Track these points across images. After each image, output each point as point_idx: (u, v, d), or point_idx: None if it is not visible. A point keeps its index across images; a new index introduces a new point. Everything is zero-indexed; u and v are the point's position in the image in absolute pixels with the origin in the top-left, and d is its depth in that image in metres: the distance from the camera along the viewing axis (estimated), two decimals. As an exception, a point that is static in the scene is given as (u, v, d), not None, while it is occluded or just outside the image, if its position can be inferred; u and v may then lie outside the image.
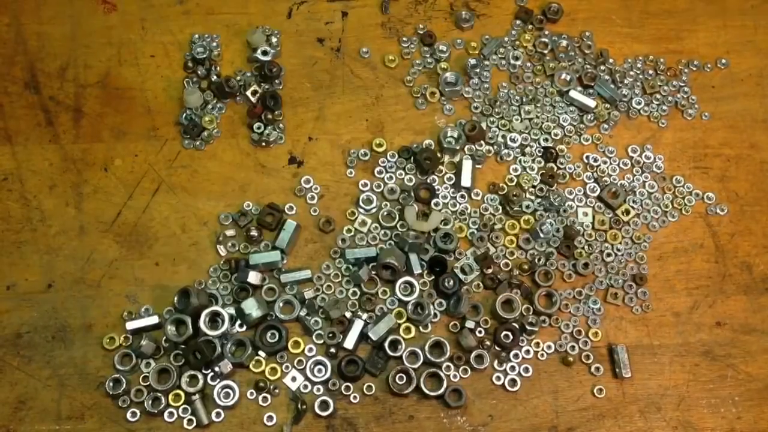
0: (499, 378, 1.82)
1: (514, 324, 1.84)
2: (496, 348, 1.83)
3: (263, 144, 1.96)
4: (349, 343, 1.80)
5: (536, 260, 1.89)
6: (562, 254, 1.89)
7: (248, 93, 1.97)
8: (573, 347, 1.85)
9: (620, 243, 1.91)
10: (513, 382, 1.82)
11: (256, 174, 1.94)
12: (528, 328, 1.83)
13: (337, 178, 1.95)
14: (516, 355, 1.84)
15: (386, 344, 1.81)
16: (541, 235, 1.88)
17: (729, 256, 1.92)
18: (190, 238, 1.90)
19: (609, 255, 1.90)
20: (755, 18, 2.08)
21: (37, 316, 1.84)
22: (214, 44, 2.02)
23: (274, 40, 2.02)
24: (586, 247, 1.91)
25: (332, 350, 1.81)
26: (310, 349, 1.82)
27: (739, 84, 2.03)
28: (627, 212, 1.93)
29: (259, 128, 1.96)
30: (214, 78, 1.99)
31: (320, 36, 2.05)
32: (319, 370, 1.81)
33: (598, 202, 1.94)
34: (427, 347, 1.81)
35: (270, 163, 1.95)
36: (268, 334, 1.82)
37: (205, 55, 1.99)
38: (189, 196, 1.93)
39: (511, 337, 1.82)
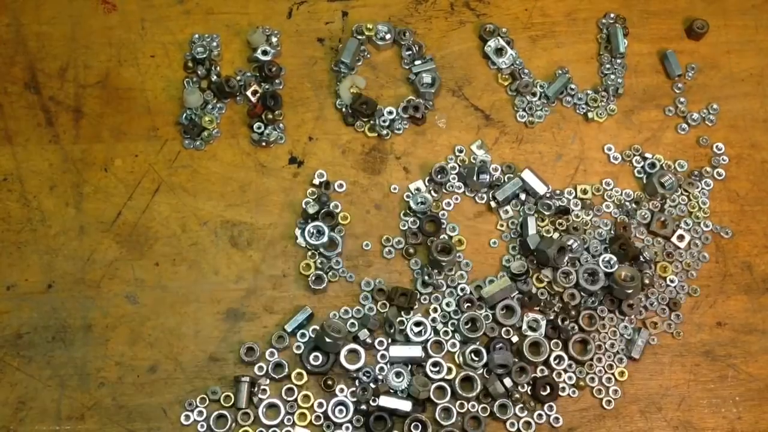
0: (513, 424, 1.78)
1: (554, 376, 1.79)
2: (532, 402, 1.78)
3: (263, 144, 1.95)
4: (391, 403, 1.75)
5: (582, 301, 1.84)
6: (610, 304, 1.84)
7: (248, 93, 1.97)
8: (593, 378, 1.81)
9: (671, 275, 1.87)
10: (528, 424, 1.79)
11: (257, 174, 1.94)
12: (562, 376, 1.79)
13: (337, 178, 1.94)
14: (551, 407, 1.79)
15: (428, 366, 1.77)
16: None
17: (730, 255, 1.91)
18: (190, 238, 1.90)
19: (661, 288, 1.87)
20: (756, 18, 2.08)
21: (37, 317, 1.84)
22: (214, 44, 2.01)
23: (274, 39, 2.02)
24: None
25: (363, 407, 1.76)
26: (320, 404, 1.77)
27: (739, 84, 2.03)
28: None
29: (259, 128, 1.95)
30: (214, 78, 1.98)
31: (320, 36, 2.05)
32: (341, 411, 1.76)
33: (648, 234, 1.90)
34: (457, 381, 1.77)
35: (270, 163, 1.95)
36: (312, 356, 1.79)
37: (205, 55, 1.98)
38: (189, 196, 1.93)
39: (549, 390, 1.78)
